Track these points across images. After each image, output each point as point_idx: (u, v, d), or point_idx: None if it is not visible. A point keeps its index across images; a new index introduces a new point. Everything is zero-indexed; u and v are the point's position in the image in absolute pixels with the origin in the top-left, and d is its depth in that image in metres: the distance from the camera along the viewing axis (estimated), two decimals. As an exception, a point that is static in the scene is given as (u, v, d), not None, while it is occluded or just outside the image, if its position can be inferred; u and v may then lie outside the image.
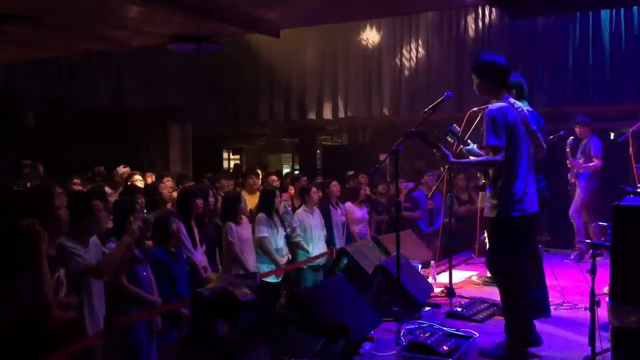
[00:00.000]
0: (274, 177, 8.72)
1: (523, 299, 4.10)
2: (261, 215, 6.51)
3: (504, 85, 4.10)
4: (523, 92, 4.88)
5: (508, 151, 3.89)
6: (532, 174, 4.11)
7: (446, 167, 5.24)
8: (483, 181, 4.17)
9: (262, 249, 6.41)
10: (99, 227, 4.30)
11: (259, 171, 10.09)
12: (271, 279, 6.47)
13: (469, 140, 4.31)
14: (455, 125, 4.29)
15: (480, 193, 6.36)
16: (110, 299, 4.39)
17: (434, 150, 4.07)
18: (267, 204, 6.59)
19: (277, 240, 6.55)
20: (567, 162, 7.60)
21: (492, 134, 3.86)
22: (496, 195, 3.99)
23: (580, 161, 7.58)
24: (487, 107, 4.02)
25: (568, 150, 7.51)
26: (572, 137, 7.59)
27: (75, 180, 7.53)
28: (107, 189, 6.75)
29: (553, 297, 5.29)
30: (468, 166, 4.30)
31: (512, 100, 4.15)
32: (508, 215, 3.96)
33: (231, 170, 15.75)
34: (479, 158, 4.08)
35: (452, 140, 4.24)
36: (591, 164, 7.46)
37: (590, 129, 7.63)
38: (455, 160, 4.10)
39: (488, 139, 3.89)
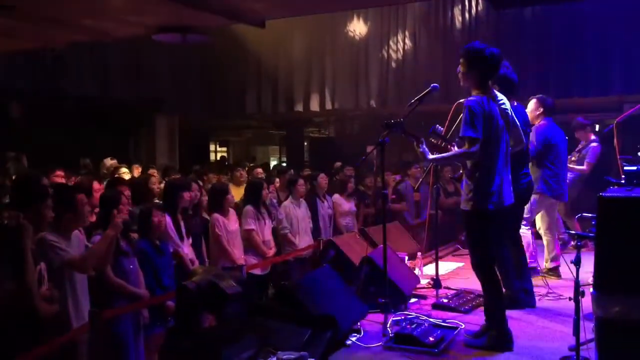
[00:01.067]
0: (260, 170, 8.70)
1: (502, 290, 4.14)
2: (248, 207, 6.49)
3: (489, 78, 4.07)
4: (511, 87, 4.86)
5: (485, 144, 3.88)
6: (508, 167, 4.12)
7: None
8: (461, 172, 4.17)
9: (250, 242, 6.39)
10: (82, 221, 4.26)
11: (246, 164, 10.05)
12: (258, 271, 6.46)
13: (457, 139, 4.32)
14: (438, 125, 4.31)
15: None
16: (96, 292, 4.36)
17: (415, 142, 4.07)
18: (254, 197, 6.57)
19: (264, 233, 6.54)
20: None
21: (469, 125, 3.85)
22: (472, 189, 3.99)
23: (573, 159, 7.57)
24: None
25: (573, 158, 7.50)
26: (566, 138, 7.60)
27: (59, 172, 7.41)
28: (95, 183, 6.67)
29: (538, 288, 5.33)
30: (445, 160, 4.31)
31: (496, 93, 4.14)
32: (483, 208, 3.97)
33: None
34: (454, 151, 4.07)
35: (435, 141, 4.25)
36: (580, 167, 7.47)
37: (588, 132, 7.61)
38: (432, 157, 4.11)
39: (464, 130, 3.87)
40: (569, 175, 7.53)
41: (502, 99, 4.16)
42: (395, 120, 4.23)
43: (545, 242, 6.19)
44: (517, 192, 4.45)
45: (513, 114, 4.27)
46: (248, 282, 5.89)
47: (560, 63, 9.97)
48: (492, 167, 3.96)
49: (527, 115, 5.26)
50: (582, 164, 7.46)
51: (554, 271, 6.06)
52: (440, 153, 4.17)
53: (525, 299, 4.98)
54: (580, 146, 7.63)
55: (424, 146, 4.06)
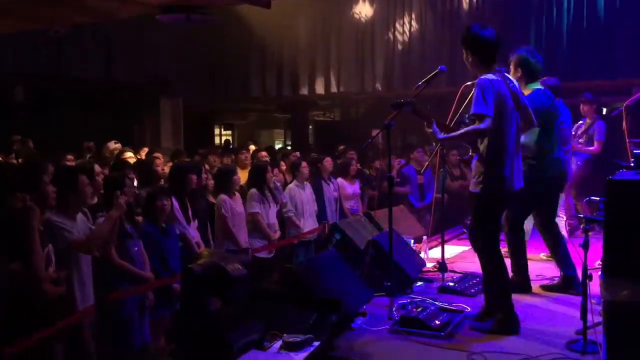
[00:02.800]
0: (264, 153, 8.66)
1: (508, 274, 4.13)
2: (253, 190, 6.48)
3: (492, 59, 4.01)
4: (533, 72, 4.82)
5: (496, 123, 3.84)
6: (519, 150, 4.08)
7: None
8: (470, 153, 4.13)
9: (255, 225, 6.39)
10: (85, 201, 4.27)
11: (251, 147, 10.01)
12: (263, 254, 6.46)
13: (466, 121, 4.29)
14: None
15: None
16: (101, 274, 4.37)
17: (425, 123, 4.03)
18: (258, 180, 6.56)
19: (269, 216, 6.54)
20: None
21: (480, 102, 3.80)
22: (482, 172, 3.96)
23: (581, 140, 7.49)
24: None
25: (573, 133, 7.43)
26: (580, 122, 7.52)
27: (69, 157, 7.45)
28: (96, 166, 6.67)
29: (546, 272, 5.32)
30: (456, 139, 4.27)
31: (506, 74, 4.10)
32: (493, 191, 3.94)
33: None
34: (464, 129, 4.00)
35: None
36: (591, 147, 7.41)
37: (595, 109, 7.55)
38: (444, 136, 4.06)
39: (475, 106, 3.83)
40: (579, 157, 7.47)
41: (512, 81, 4.12)
42: (405, 99, 4.19)
43: None
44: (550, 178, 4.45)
45: (522, 95, 4.23)
46: (253, 265, 5.90)
47: (568, 46, 9.87)
48: (503, 150, 3.92)
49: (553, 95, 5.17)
50: (591, 144, 7.40)
51: None
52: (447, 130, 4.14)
53: (573, 287, 4.89)
54: (584, 126, 7.55)
55: (435, 126, 4.02)
